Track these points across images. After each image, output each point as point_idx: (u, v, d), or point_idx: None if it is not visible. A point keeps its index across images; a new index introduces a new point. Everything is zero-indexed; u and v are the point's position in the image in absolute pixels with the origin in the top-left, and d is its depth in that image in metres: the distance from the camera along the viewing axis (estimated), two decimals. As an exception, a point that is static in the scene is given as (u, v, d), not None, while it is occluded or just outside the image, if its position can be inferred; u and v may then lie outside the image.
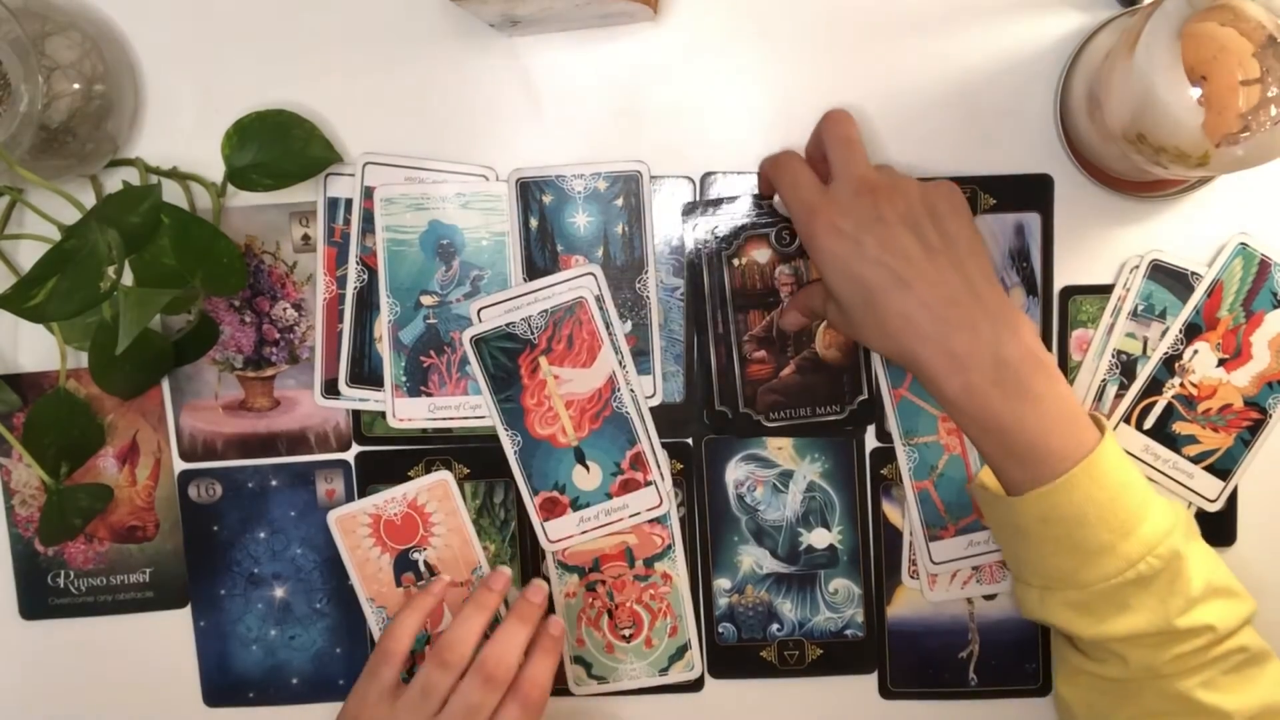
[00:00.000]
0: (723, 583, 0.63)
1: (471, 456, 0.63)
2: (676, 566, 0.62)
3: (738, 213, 0.60)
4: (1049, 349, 0.61)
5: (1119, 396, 0.60)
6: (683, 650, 0.63)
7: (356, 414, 0.63)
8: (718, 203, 0.60)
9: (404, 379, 0.61)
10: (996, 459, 0.51)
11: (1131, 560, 0.48)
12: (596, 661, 0.63)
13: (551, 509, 0.62)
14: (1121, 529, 0.48)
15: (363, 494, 0.63)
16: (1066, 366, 0.61)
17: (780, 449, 0.62)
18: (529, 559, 0.63)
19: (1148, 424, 0.60)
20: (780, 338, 0.60)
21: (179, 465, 0.64)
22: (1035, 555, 0.51)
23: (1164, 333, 0.60)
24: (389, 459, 0.63)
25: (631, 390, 0.61)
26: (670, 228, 0.61)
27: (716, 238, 0.60)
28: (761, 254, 0.60)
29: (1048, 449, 0.49)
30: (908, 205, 0.51)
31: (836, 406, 0.61)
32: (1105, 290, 0.60)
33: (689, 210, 0.60)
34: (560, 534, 0.62)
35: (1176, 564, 0.48)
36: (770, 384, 0.61)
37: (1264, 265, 0.59)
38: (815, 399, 0.61)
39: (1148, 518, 0.49)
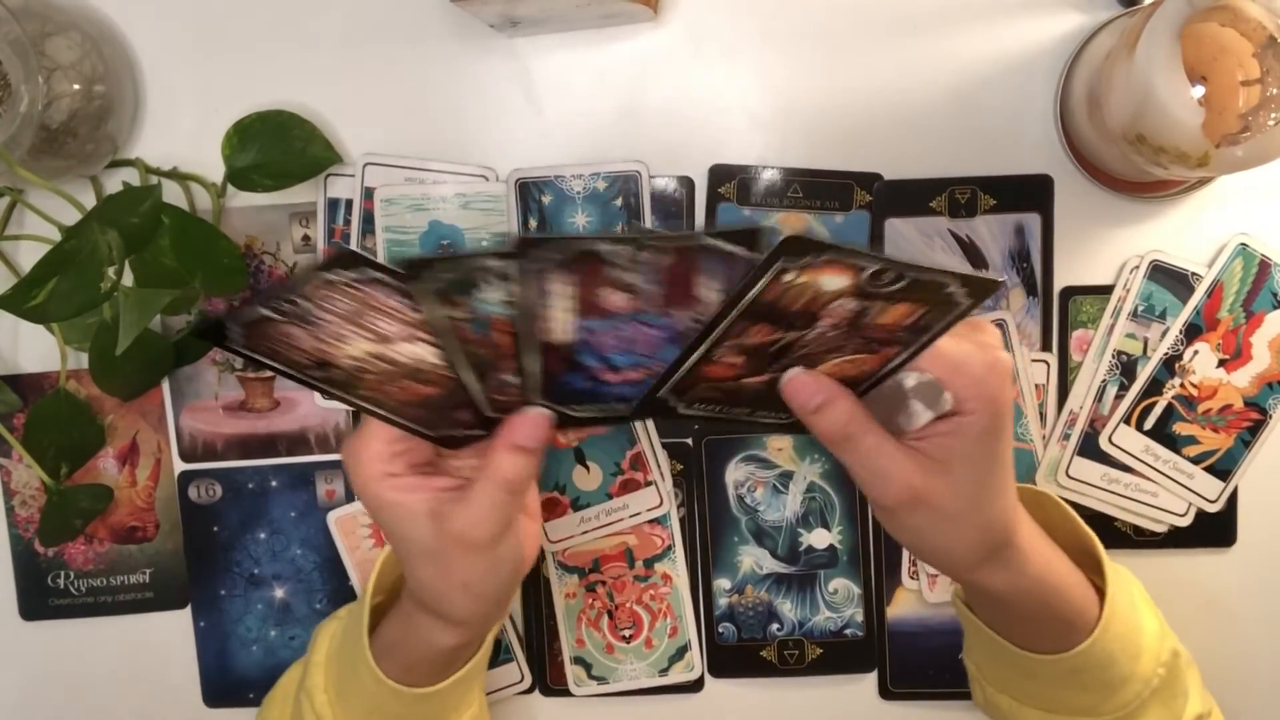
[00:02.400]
0: (723, 583, 0.63)
1: (471, 457, 0.63)
2: (676, 567, 0.62)
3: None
4: (1049, 350, 0.61)
5: (1119, 397, 0.60)
6: (683, 651, 0.63)
7: (356, 414, 0.63)
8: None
9: (404, 379, 0.61)
10: (1030, 627, 0.48)
11: (1147, 679, 0.48)
12: (596, 662, 0.63)
13: (552, 509, 0.62)
14: (1136, 652, 0.48)
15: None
16: (1066, 367, 0.61)
17: (780, 450, 0.62)
18: (529, 559, 0.63)
19: (1148, 424, 0.60)
20: (778, 354, 0.42)
21: (179, 466, 0.64)
22: (1049, 692, 0.50)
23: (1164, 333, 0.60)
24: (389, 459, 0.63)
25: (631, 391, 0.61)
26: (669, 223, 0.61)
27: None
28: (834, 281, 0.38)
29: (1073, 603, 0.47)
30: None
31: (783, 415, 0.47)
32: (1105, 291, 0.60)
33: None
34: (560, 534, 0.62)
35: (1175, 663, 0.48)
36: (721, 384, 0.44)
37: (1264, 266, 0.59)
38: (760, 403, 0.46)
39: (1144, 626, 0.48)
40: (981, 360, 0.42)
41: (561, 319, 0.39)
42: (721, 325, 0.38)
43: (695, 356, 0.40)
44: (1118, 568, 0.50)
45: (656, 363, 0.41)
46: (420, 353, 0.40)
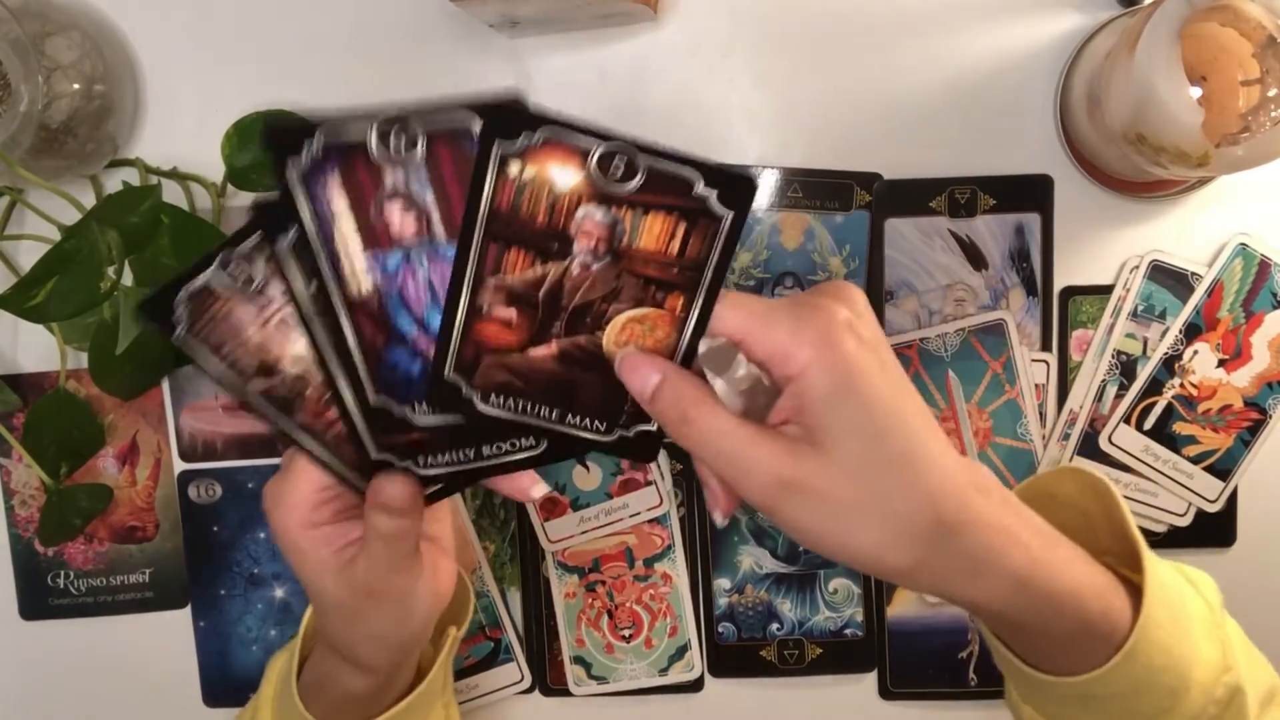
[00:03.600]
0: (722, 582, 0.63)
1: (471, 457, 0.62)
2: (676, 567, 0.62)
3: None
4: (1049, 350, 0.61)
5: (1119, 397, 0.60)
6: (683, 650, 0.63)
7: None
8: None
9: (404, 379, 0.61)
10: (1030, 639, 0.40)
11: (1193, 717, 0.39)
12: (596, 662, 0.63)
13: (551, 509, 0.62)
14: (1182, 684, 0.39)
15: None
16: (1066, 367, 0.61)
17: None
18: (529, 559, 0.63)
19: (1148, 424, 0.60)
20: (552, 304, 0.38)
21: (179, 465, 0.64)
22: (1068, 713, 0.42)
23: (1164, 333, 0.60)
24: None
25: (631, 390, 0.60)
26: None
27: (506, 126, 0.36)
28: (565, 175, 0.36)
29: (1088, 614, 0.38)
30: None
31: (602, 425, 0.41)
32: (1105, 290, 0.60)
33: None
34: (560, 534, 0.62)
35: (1238, 700, 0.40)
36: (507, 357, 0.39)
37: (1264, 266, 0.59)
38: (572, 404, 0.40)
39: (1197, 652, 0.39)
40: (788, 308, 0.36)
41: (354, 253, 0.35)
42: (471, 245, 0.35)
43: (460, 301, 0.36)
44: (1189, 572, 0.41)
45: None
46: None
